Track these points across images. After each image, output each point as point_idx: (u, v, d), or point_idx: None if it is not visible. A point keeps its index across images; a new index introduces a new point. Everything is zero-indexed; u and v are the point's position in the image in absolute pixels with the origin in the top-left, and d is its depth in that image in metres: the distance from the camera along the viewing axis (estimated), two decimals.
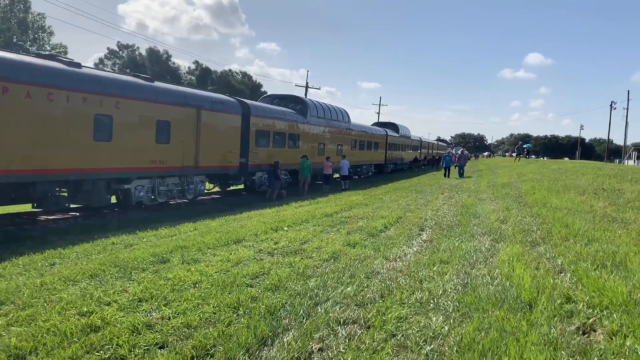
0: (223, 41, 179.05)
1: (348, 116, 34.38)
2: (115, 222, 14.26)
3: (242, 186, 24.30)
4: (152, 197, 17.34)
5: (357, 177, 38.48)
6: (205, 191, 22.30)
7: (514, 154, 67.52)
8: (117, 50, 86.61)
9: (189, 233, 10.71)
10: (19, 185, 12.92)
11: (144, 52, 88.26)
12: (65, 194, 14.46)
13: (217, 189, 23.48)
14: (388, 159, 46.17)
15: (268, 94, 31.19)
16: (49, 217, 15.11)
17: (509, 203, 15.23)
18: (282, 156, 24.66)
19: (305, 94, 54.99)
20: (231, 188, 24.72)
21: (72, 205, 15.39)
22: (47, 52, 14.76)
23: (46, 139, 12.93)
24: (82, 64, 14.67)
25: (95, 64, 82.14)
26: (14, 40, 61.62)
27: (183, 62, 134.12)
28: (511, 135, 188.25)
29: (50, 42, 73.38)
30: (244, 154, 21.93)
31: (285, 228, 10.74)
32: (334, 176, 29.94)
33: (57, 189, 14.01)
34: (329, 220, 12.03)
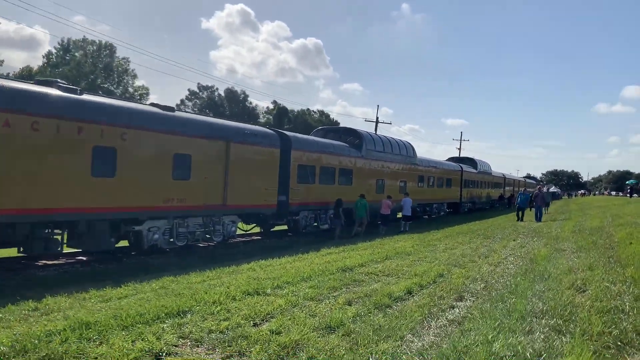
0: (308, 83, 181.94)
1: (413, 150, 31.42)
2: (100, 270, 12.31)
3: (285, 227, 21.99)
4: (171, 239, 15.39)
5: (426, 217, 35.10)
6: (245, 231, 20.28)
7: (612, 193, 60.67)
8: (198, 91, 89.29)
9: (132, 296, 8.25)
10: None
11: (222, 93, 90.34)
12: (58, 237, 12.76)
13: (257, 229, 21.35)
14: (464, 197, 42.27)
15: (319, 127, 29.08)
16: (47, 262, 13.47)
17: (594, 258, 11.63)
18: (331, 194, 22.22)
19: (375, 130, 52.57)
20: (276, 228, 22.51)
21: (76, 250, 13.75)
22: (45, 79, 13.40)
23: (30, 173, 11.32)
24: (81, 90, 13.15)
25: (177, 105, 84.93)
26: (98, 82, 64.67)
27: (262, 103, 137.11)
28: (609, 172, 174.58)
29: (134, 85, 76.83)
30: (284, 192, 19.68)
31: (268, 290, 8.13)
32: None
33: (47, 230, 12.31)
34: (339, 278, 9.30)
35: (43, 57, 69.95)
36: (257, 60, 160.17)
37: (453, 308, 7.24)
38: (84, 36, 70.44)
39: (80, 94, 12.93)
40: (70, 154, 12.18)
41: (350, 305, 7.27)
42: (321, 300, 7.63)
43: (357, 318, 6.51)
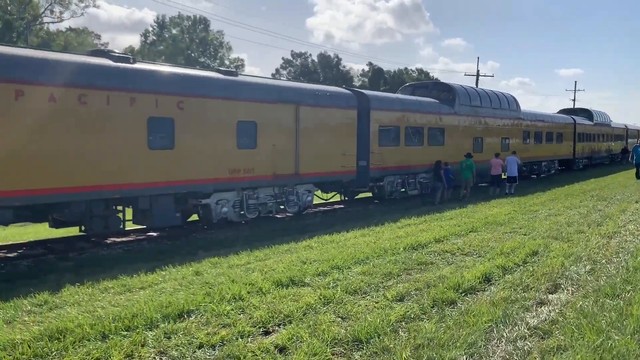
0: (406, 42, 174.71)
1: (516, 103, 28.19)
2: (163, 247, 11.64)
3: (370, 194, 20.49)
4: (242, 212, 14.56)
5: (534, 176, 31.81)
6: (325, 200, 19.12)
7: None
8: (291, 59, 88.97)
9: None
10: (53, 206, 11.00)
11: (315, 59, 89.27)
12: (120, 215, 12.31)
13: (338, 197, 20.06)
14: (578, 153, 37.95)
15: (407, 84, 26.84)
16: (115, 240, 13.14)
17: None
18: (420, 156, 20.33)
19: (476, 83, 48.73)
20: (360, 196, 21.11)
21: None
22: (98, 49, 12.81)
23: (80, 149, 10.81)
24: (134, 58, 12.39)
25: (272, 74, 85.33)
26: (194, 56, 66.23)
27: (357, 66, 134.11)
28: None
29: (230, 57, 78.00)
30: (364, 156, 18.12)
31: (307, 279, 6.77)
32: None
33: (105, 208, 11.84)
34: (402, 260, 7.74)
35: (140, 35, 72.91)
36: (354, 24, 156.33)
37: (541, 305, 5.45)
38: (179, 12, 72.38)
39: (133, 62, 12.20)
40: (123, 127, 11.54)
41: (401, 301, 5.76)
42: (367, 293, 6.18)
43: (401, 324, 4.97)
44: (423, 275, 6.99)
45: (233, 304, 5.75)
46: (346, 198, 20.34)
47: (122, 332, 4.92)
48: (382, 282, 6.62)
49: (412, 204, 18.65)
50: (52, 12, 50.30)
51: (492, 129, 25.57)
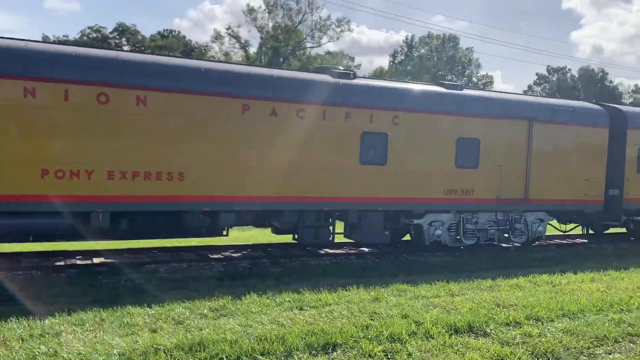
0: None
1: None
2: (387, 263, 11.25)
3: (624, 229, 17.06)
4: (458, 237, 13.44)
5: None
6: (563, 232, 16.62)
7: None
8: (547, 74, 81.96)
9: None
10: (271, 213, 11.62)
11: (575, 74, 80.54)
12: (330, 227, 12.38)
13: (580, 230, 17.17)
14: None
15: None
16: (328, 252, 13.34)
17: None
18: None
19: None
20: (611, 231, 17.78)
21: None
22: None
23: (292, 161, 11.22)
24: (354, 74, 12.42)
25: (524, 91, 79.91)
26: (439, 74, 65.87)
27: (629, 81, 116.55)
28: None
29: (478, 74, 75.61)
30: (616, 184, 15.15)
31: (491, 326, 5.43)
32: None
33: (315, 219, 12.01)
34: (631, 321, 5.80)
35: (389, 56, 75.67)
36: (630, 34, 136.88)
37: None
38: (429, 32, 73.09)
39: (352, 78, 12.27)
40: (337, 141, 11.62)
41: None
42: None
43: None
44: None
45: (386, 344, 4.99)
46: (592, 232, 17.32)
47: (258, 356, 4.62)
48: (588, 348, 5.03)
49: None
50: (312, 37, 55.90)
51: None
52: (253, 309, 6.55)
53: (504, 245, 14.68)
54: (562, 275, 9.46)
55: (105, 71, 9.63)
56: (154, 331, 5.63)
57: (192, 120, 10.24)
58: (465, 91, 13.60)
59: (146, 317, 6.18)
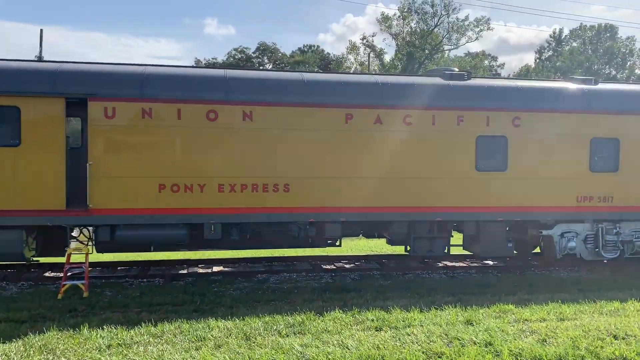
0: None
1: None
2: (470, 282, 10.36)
3: None
4: (597, 249, 11.90)
5: None
6: None
7: None
8: None
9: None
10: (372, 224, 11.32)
11: None
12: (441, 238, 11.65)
13: None
14: None
15: None
16: (446, 264, 12.59)
17: None
18: None
19: None
20: None
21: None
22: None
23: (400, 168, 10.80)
24: (469, 74, 11.63)
25: None
26: (594, 68, 59.74)
27: None
28: None
29: None
30: None
31: None
32: None
33: (428, 230, 11.40)
34: None
35: (535, 52, 70.28)
36: None
37: None
38: (581, 23, 66.73)
39: (467, 79, 11.52)
40: (449, 147, 10.96)
41: None
42: None
43: None
44: None
45: None
46: None
47: None
48: None
49: None
50: (449, 39, 54.12)
51: None
52: (330, 327, 6.33)
53: None
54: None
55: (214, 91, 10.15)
56: (218, 347, 5.69)
57: (299, 131, 10.35)
58: (601, 85, 12.03)
59: (222, 330, 6.28)
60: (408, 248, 11.71)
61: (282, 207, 10.41)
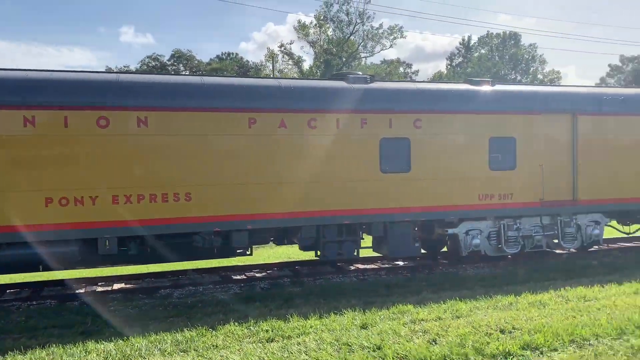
0: None
1: None
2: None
3: None
4: (500, 245, 12.28)
5: None
6: (627, 234, 14.95)
7: None
8: (620, 65, 76.63)
9: None
10: (287, 230, 11.09)
11: None
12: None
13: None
14: None
15: None
16: (358, 267, 12.55)
17: None
18: None
19: None
20: None
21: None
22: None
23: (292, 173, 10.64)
24: (372, 78, 11.69)
25: (597, 84, 75.08)
26: (501, 73, 63.15)
27: None
28: None
29: (544, 71, 71.96)
30: None
31: None
32: None
33: (336, 234, 11.29)
34: None
35: (446, 59, 73.45)
36: None
37: None
38: (487, 31, 70.33)
39: (370, 82, 11.56)
40: (353, 150, 10.93)
41: None
42: None
43: None
44: None
45: None
46: None
47: None
48: None
49: None
50: (365, 47, 55.25)
51: None
52: (219, 342, 5.99)
53: (557, 252, 13.33)
54: (603, 287, 8.24)
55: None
56: None
57: (200, 136, 9.93)
58: (498, 87, 12.50)
59: (100, 353, 5.77)
60: (318, 253, 11.55)
61: (183, 218, 9.93)
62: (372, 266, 12.69)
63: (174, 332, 6.52)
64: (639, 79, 70.41)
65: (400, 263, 12.88)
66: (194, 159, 9.86)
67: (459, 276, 11.03)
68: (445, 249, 13.16)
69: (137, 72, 41.89)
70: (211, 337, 6.30)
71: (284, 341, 5.97)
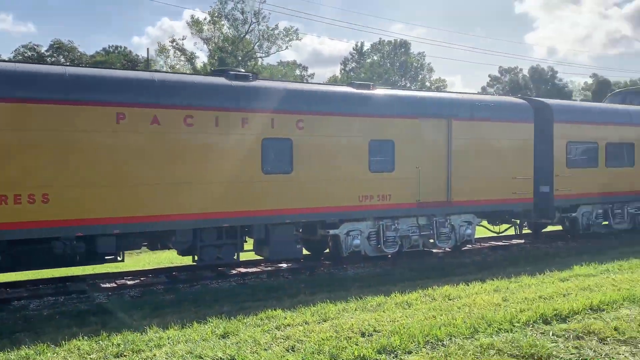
0: None
1: None
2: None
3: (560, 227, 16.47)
4: (379, 245, 12.48)
5: None
6: (497, 234, 15.91)
7: None
8: (499, 75, 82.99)
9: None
10: (161, 234, 10.47)
11: (527, 74, 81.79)
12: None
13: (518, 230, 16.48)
14: None
15: (617, 90, 21.61)
16: (240, 271, 12.18)
17: None
18: (628, 179, 15.82)
19: None
20: (548, 229, 17.25)
21: None
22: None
23: (185, 174, 10.08)
24: (254, 76, 11.39)
25: (478, 92, 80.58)
26: (392, 80, 65.74)
27: (579, 79, 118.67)
28: None
29: (431, 79, 75.92)
30: (546, 180, 14.52)
31: None
32: None
33: (215, 237, 10.86)
34: (506, 344, 4.88)
35: (340, 64, 75.37)
36: (582, 35, 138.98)
37: None
38: (380, 38, 72.98)
39: (252, 80, 11.24)
40: (234, 150, 10.56)
41: None
42: None
43: None
44: None
45: None
46: (529, 232, 16.69)
47: None
48: None
49: (622, 242, 14.55)
50: (261, 47, 54.90)
51: None
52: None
53: (434, 251, 13.85)
54: (468, 285, 8.59)
55: None
56: None
57: (59, 132, 9.02)
58: (378, 90, 12.73)
59: None
60: (196, 258, 11.02)
61: (40, 221, 8.97)
62: (255, 269, 12.38)
63: (8, 351, 5.74)
64: (515, 89, 76.44)
65: (284, 265, 12.69)
66: (52, 157, 8.95)
67: (339, 277, 11.04)
68: (327, 250, 13.16)
69: None
70: (52, 354, 5.63)
71: (133, 356, 5.48)
